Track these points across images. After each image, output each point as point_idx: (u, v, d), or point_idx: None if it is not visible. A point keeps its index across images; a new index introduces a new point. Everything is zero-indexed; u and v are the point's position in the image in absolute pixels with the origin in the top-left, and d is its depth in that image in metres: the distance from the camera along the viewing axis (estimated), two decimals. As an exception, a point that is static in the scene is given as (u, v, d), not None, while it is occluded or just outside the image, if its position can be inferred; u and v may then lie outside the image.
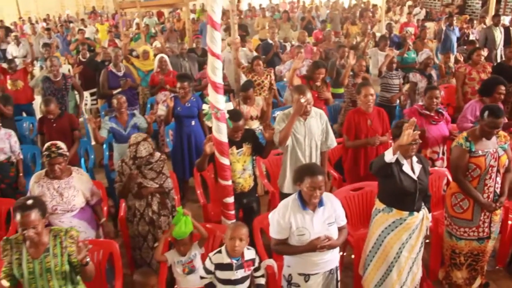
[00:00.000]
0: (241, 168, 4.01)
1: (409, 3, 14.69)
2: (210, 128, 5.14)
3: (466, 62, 6.92)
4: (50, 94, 6.29)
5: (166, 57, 6.76)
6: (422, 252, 3.63)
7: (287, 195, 4.20)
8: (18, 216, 2.58)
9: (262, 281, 3.24)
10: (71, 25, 13.76)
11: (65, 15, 17.51)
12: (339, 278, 3.37)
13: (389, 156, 3.25)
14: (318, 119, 4.20)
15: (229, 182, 3.82)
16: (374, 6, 13.51)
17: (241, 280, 3.13)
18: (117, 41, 10.95)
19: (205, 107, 3.75)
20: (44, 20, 16.25)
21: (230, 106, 3.68)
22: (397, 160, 3.36)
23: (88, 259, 2.65)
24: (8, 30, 13.16)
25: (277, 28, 12.05)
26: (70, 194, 3.68)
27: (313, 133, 4.15)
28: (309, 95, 3.99)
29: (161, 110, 6.44)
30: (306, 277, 3.19)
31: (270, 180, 5.05)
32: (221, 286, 3.18)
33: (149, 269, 3.31)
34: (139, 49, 7.98)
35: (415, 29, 10.71)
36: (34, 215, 2.60)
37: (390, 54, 6.33)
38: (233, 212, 3.94)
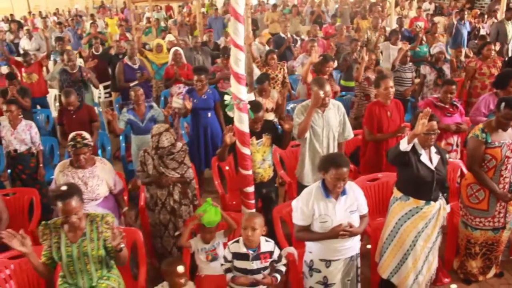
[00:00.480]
0: (260, 158, 4.09)
1: (418, -3, 14.73)
2: (226, 120, 5.28)
3: (477, 57, 6.95)
4: (67, 86, 6.39)
5: (180, 50, 6.84)
6: (438, 242, 3.70)
7: (304, 186, 4.32)
8: (60, 204, 2.66)
9: (282, 268, 3.30)
10: (83, 18, 13.85)
11: (74, 9, 17.59)
12: (359, 265, 3.46)
13: (404, 145, 3.33)
14: (336, 111, 4.28)
15: (250, 172, 3.90)
16: (383, 0, 13.52)
17: (257, 271, 3.18)
18: (128, 34, 11.04)
19: (227, 97, 3.83)
20: (54, 14, 16.34)
21: (252, 97, 3.75)
22: (415, 149, 3.44)
23: (122, 245, 2.74)
24: (19, 25, 13.26)
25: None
26: (94, 183, 3.77)
27: (331, 125, 4.23)
28: (327, 87, 4.06)
29: (176, 102, 6.50)
30: (327, 263, 3.28)
31: (286, 171, 5.12)
32: (238, 275, 3.25)
33: (178, 258, 3.38)
34: (153, 42, 8.05)
35: (425, 23, 10.74)
36: (75, 202, 2.69)
37: (403, 48, 6.38)
38: (253, 201, 4.02)
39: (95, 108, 6.88)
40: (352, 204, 3.21)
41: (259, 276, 3.20)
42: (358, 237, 3.34)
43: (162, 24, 12.15)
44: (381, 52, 8.04)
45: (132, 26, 10.45)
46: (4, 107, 5.00)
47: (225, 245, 3.75)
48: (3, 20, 15.05)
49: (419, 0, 14.21)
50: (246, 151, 3.81)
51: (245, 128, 3.73)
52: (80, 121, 5.17)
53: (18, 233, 2.69)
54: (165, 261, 3.25)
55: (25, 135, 5.06)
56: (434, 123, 3.34)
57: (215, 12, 12.33)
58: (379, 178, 4.46)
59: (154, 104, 5.36)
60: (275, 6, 12.41)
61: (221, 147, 3.96)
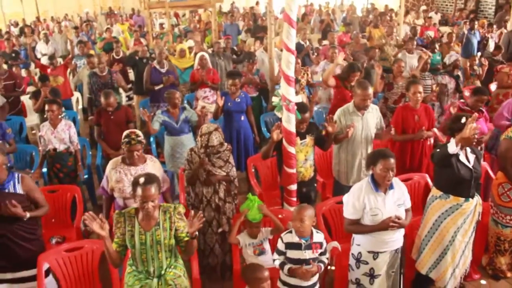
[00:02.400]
0: (303, 158, 4.27)
1: (423, 7, 15.04)
2: (257, 124, 5.46)
3: (492, 66, 7.19)
4: (97, 88, 6.56)
5: (206, 55, 7.02)
6: (473, 237, 3.90)
7: (342, 185, 4.52)
8: (139, 190, 2.80)
9: (325, 260, 3.42)
10: (95, 24, 14.02)
11: (84, 14, 17.74)
12: (403, 258, 3.64)
13: (452, 147, 3.53)
14: (374, 113, 4.50)
15: (294, 170, 4.09)
16: (391, 10, 13.81)
17: (309, 262, 3.30)
18: (142, 40, 11.21)
19: (275, 99, 4.01)
20: (65, 18, 16.50)
21: (299, 99, 3.93)
22: (454, 150, 3.65)
23: (197, 233, 2.89)
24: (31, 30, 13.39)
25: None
26: None
27: (369, 127, 4.45)
28: (370, 90, 4.28)
29: (201, 106, 6.70)
30: (375, 255, 3.45)
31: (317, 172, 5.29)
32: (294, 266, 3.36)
33: (257, 263, 3.47)
34: (176, 47, 8.24)
35: (435, 32, 11.03)
36: (154, 189, 2.82)
37: (424, 56, 6.61)
38: (295, 198, 4.21)
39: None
40: (399, 198, 3.41)
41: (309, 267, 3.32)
42: (403, 230, 3.52)
43: (176, 30, 12.35)
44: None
45: (149, 31, 10.62)
46: (46, 107, 5.14)
47: (270, 240, 3.93)
48: (12, 24, 15.19)
49: (425, 10, 14.53)
50: (291, 150, 4.00)
51: (292, 128, 3.92)
52: (118, 122, 5.32)
53: (98, 217, 2.81)
54: (248, 268, 3.35)
55: (65, 135, 5.20)
56: (479, 126, 3.54)
57: (231, 19, 12.56)
58: (412, 178, 4.65)
59: (187, 106, 5.53)
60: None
61: (267, 144, 4.14)
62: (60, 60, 8.36)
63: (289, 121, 3.89)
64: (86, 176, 5.65)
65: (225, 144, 4.15)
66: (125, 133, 3.93)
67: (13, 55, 10.07)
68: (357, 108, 4.44)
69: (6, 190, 3.46)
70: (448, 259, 3.82)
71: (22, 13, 15.65)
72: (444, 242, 3.79)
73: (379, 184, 3.35)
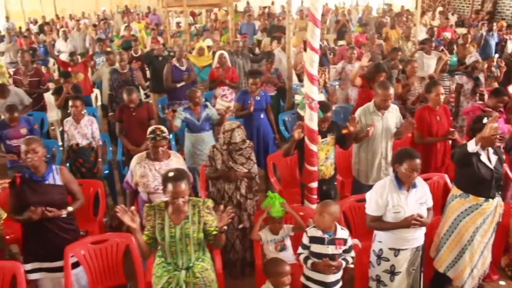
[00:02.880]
0: (324, 156, 4.32)
1: (440, 8, 14.98)
2: (276, 122, 5.50)
3: (510, 68, 7.16)
4: (118, 85, 6.65)
5: (226, 53, 7.08)
6: (493, 238, 3.91)
7: (362, 183, 4.56)
8: (170, 186, 2.86)
9: (349, 259, 3.46)
10: (111, 22, 14.17)
11: (101, 12, 17.93)
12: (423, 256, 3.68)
13: (471, 146, 3.56)
14: (393, 113, 4.55)
15: (315, 168, 4.14)
16: (407, 11, 13.77)
17: (332, 257, 3.34)
18: (159, 38, 11.32)
19: (298, 97, 4.06)
20: (82, 15, 16.70)
21: (322, 97, 3.98)
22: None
23: (226, 227, 2.95)
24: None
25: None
26: None
27: (389, 126, 4.48)
28: (391, 90, 4.32)
29: (220, 104, 6.76)
30: (396, 252, 3.50)
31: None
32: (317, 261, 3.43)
33: (279, 258, 3.52)
34: (194, 46, 8.32)
35: (452, 34, 11.00)
36: (184, 185, 2.88)
37: (443, 57, 6.62)
38: (315, 196, 4.26)
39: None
40: (421, 197, 3.45)
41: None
42: (424, 229, 3.55)
43: (193, 29, 12.45)
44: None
45: (166, 30, 10.72)
46: (70, 103, 5.24)
47: (291, 237, 3.98)
48: (32, 22, 15.41)
49: (442, 11, 14.47)
50: (313, 148, 4.05)
51: (314, 126, 3.97)
52: (139, 118, 5.39)
53: (129, 209, 2.88)
54: (269, 262, 3.42)
55: (87, 130, 5.30)
56: (499, 126, 3.56)
57: (248, 17, 12.63)
58: (431, 178, 4.67)
59: (208, 104, 5.60)
60: (302, 12, 12.65)
61: (289, 142, 4.19)
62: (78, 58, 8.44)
63: (312, 119, 3.93)
64: (106, 172, 5.73)
65: (247, 141, 4.20)
66: (150, 129, 4.01)
67: (31, 52, 10.23)
68: (377, 108, 4.48)
69: (46, 182, 3.57)
70: (466, 258, 3.84)
71: (41, 11, 15.83)
72: (463, 241, 3.82)
73: (403, 183, 3.40)
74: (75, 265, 3.73)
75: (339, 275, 3.45)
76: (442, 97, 4.79)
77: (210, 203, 3.09)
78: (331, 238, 3.36)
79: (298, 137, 4.04)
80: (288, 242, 3.93)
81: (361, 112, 4.53)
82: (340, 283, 3.49)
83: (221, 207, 2.98)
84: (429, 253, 4.08)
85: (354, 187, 4.76)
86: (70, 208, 3.65)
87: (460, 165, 3.79)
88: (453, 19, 13.99)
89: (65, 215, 3.62)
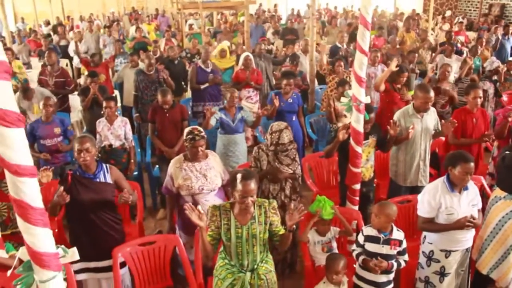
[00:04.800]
0: (365, 158, 4.34)
1: (448, 12, 15.08)
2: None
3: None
4: (144, 86, 6.64)
5: (251, 55, 7.11)
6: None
7: (399, 185, 4.58)
8: (239, 185, 2.85)
9: (402, 262, 3.48)
10: (121, 23, 14.17)
11: (110, 14, 17.91)
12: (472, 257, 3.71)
13: None
14: (432, 116, 4.58)
15: (359, 170, 4.16)
16: (417, 14, 13.85)
17: (386, 257, 3.37)
18: (173, 40, 11.34)
19: (344, 100, 4.07)
20: (90, 17, 16.66)
21: (368, 99, 4.00)
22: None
23: (295, 227, 2.96)
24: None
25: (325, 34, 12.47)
26: (212, 174, 3.97)
27: (428, 129, 4.52)
28: (432, 93, 4.35)
29: (245, 106, 6.77)
30: (447, 253, 3.53)
31: (314, 180, 5.33)
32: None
33: (340, 254, 3.56)
34: (217, 47, 8.33)
35: (465, 38, 11.07)
36: (253, 184, 2.89)
37: (469, 62, 6.68)
38: (357, 198, 4.28)
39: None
40: (473, 199, 3.49)
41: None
42: (474, 230, 3.58)
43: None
44: (436, 65, 8.31)
45: (182, 32, 10.74)
46: (104, 103, 5.24)
47: (337, 239, 4.00)
48: (44, 23, 15.36)
49: (450, 15, 14.57)
50: (358, 149, 4.07)
51: (360, 128, 3.99)
52: (173, 119, 5.36)
53: (196, 208, 2.88)
54: (328, 256, 3.45)
55: (121, 131, 5.30)
56: None
57: (256, 21, 12.68)
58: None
59: (243, 105, 5.61)
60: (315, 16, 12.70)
61: (332, 143, 4.21)
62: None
63: (358, 121, 3.96)
64: (135, 173, 5.73)
65: (294, 142, 4.22)
66: (187, 129, 4.00)
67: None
68: (416, 110, 4.51)
69: (98, 180, 3.58)
70: (511, 260, 3.86)
71: (50, 13, 15.80)
72: (508, 242, 3.82)
73: (455, 185, 3.42)
74: (121, 265, 3.74)
75: (391, 276, 3.47)
76: (479, 100, 4.82)
77: (275, 203, 3.09)
78: (387, 238, 3.38)
79: (343, 139, 4.06)
80: (334, 244, 3.95)
81: (400, 115, 4.57)
82: (392, 284, 3.51)
83: (292, 205, 2.98)
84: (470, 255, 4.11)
85: (391, 189, 4.79)
86: (133, 197, 3.68)
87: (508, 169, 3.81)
88: (463, 22, 14.05)
89: (132, 202, 3.63)
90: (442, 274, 3.59)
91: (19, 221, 1.79)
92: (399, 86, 5.92)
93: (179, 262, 4.01)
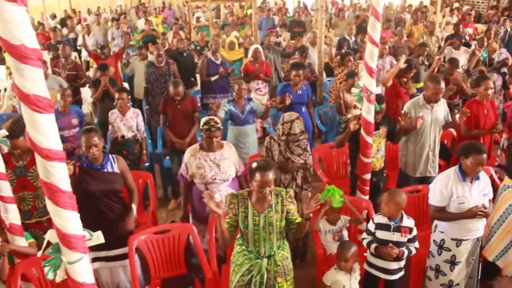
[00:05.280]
0: (375, 148, 4.38)
1: (456, 4, 15.03)
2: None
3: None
4: (154, 79, 6.70)
5: (260, 48, 7.15)
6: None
7: (409, 175, 4.63)
8: (258, 176, 2.90)
9: (413, 249, 3.53)
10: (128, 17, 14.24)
11: (118, 7, 17.97)
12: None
13: None
14: (442, 106, 4.62)
15: (370, 160, 4.21)
16: (425, 7, 13.82)
17: (397, 244, 3.42)
18: (180, 32, 11.37)
19: (354, 90, 4.12)
20: (98, 10, 16.75)
21: (379, 90, 4.04)
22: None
23: (311, 215, 3.02)
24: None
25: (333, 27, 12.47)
26: (225, 165, 4.04)
27: (438, 120, 4.56)
28: (442, 84, 4.39)
29: (254, 98, 6.82)
30: (458, 242, 3.58)
31: (324, 170, 5.40)
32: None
33: (351, 242, 3.61)
34: (226, 40, 8.38)
35: (474, 30, 11.05)
36: (271, 175, 2.93)
37: (477, 54, 6.70)
38: (368, 187, 4.33)
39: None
40: (484, 188, 3.53)
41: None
42: (485, 220, 3.62)
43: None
44: (444, 58, 8.32)
45: (190, 25, 10.78)
46: (116, 95, 5.31)
47: (347, 228, 4.05)
48: (51, 17, 15.43)
49: (457, 7, 14.51)
50: (369, 140, 4.13)
51: (371, 118, 4.04)
52: (184, 111, 5.43)
53: (214, 196, 2.95)
54: (340, 244, 3.50)
55: (133, 122, 5.36)
56: None
57: (267, 12, 12.72)
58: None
59: (252, 97, 5.65)
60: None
61: (343, 134, 4.26)
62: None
63: (369, 111, 4.01)
64: (147, 164, 5.80)
65: (305, 132, 4.26)
66: (204, 120, 4.06)
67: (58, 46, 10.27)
68: (427, 101, 4.55)
69: (105, 170, 3.65)
70: (517, 248, 3.91)
71: (57, 6, 15.88)
72: (514, 231, 3.89)
73: (467, 174, 3.46)
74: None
75: (402, 263, 3.52)
76: (490, 92, 4.85)
77: (292, 192, 3.15)
78: (397, 225, 3.43)
79: (354, 129, 4.11)
80: (345, 233, 4.00)
81: (411, 106, 4.60)
82: (402, 272, 3.56)
83: (309, 194, 3.04)
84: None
85: (400, 179, 4.83)
86: (134, 206, 3.79)
87: None
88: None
89: (134, 213, 3.74)
90: (452, 262, 3.64)
91: (49, 204, 1.86)
92: (405, 79, 5.94)
93: (191, 250, 4.08)
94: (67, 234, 1.90)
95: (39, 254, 2.09)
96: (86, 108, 7.73)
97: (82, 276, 1.99)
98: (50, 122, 1.74)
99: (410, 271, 4.02)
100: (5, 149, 3.55)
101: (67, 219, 1.88)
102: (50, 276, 1.96)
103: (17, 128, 3.56)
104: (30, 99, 1.66)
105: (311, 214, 2.99)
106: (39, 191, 3.75)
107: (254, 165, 2.98)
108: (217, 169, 4.01)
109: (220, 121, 4.13)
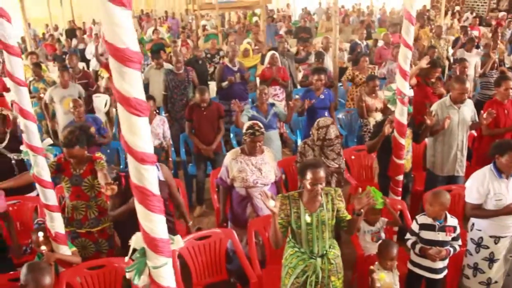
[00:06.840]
0: (405, 149, 4.44)
1: (457, 7, 15.21)
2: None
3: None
4: (174, 86, 6.73)
5: (277, 54, 7.21)
6: None
7: (436, 175, 4.69)
8: (309, 173, 2.97)
9: (457, 246, 3.57)
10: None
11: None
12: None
13: None
14: (469, 107, 4.70)
15: (403, 161, 4.28)
16: (428, 10, 13.98)
17: (441, 243, 3.47)
18: (188, 41, 11.45)
19: (387, 93, 4.19)
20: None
21: (411, 92, 4.11)
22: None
23: (363, 210, 3.07)
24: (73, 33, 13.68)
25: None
26: (266, 169, 4.08)
27: (465, 120, 4.64)
28: (468, 84, 4.49)
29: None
30: (497, 239, 3.64)
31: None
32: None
33: (391, 240, 3.64)
34: (240, 47, 8.45)
35: (479, 32, 11.19)
36: (323, 172, 3.01)
37: (492, 56, 6.80)
38: (400, 188, 4.39)
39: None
40: None
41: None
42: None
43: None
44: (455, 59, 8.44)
45: (198, 33, 10.86)
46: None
47: (384, 229, 4.11)
48: (53, 28, 15.44)
49: (458, 10, 14.70)
50: (402, 141, 4.20)
51: (404, 120, 4.12)
52: (210, 117, 5.48)
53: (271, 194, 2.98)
54: (382, 243, 3.54)
55: (159, 130, 5.40)
56: None
57: (267, 20, 12.89)
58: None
59: (275, 102, 5.70)
60: (328, 14, 12.86)
61: (376, 138, 4.32)
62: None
63: (402, 113, 4.08)
64: (172, 171, 5.82)
65: (339, 137, 4.32)
66: (247, 124, 4.10)
67: (64, 56, 10.31)
68: (453, 102, 4.63)
69: None
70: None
71: (61, 17, 15.93)
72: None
73: (502, 171, 3.54)
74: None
75: (446, 261, 3.58)
76: (511, 91, 4.93)
77: (340, 191, 3.21)
78: (442, 225, 3.49)
79: (388, 133, 4.18)
80: (383, 234, 4.06)
81: (438, 106, 4.68)
82: (446, 270, 3.61)
83: (360, 190, 3.09)
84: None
85: (428, 179, 4.89)
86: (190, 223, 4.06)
87: None
88: (470, 17, 14.19)
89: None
90: (491, 260, 3.70)
91: (139, 208, 1.90)
92: (432, 80, 6.00)
93: (229, 255, 4.11)
94: (155, 238, 1.93)
95: (126, 259, 2.12)
96: (102, 117, 7.74)
97: (167, 280, 2.02)
98: (146, 125, 1.78)
99: (448, 270, 4.08)
100: (51, 158, 3.58)
101: (157, 223, 1.92)
102: (136, 281, 1.99)
103: (73, 137, 3.60)
104: (131, 102, 1.69)
105: (362, 210, 3.03)
106: (92, 201, 3.80)
107: (305, 164, 3.04)
108: (258, 173, 4.05)
109: (263, 126, 4.17)
